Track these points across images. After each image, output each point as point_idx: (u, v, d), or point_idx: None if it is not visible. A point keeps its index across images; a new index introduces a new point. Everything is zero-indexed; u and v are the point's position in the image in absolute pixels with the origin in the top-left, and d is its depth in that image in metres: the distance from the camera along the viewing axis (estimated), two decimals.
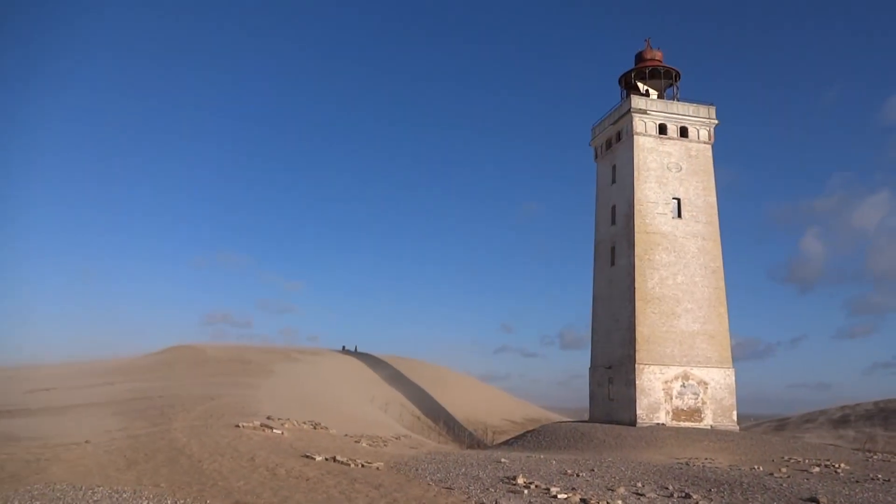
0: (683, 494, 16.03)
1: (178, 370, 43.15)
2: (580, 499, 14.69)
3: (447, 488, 15.71)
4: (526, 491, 15.62)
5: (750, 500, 15.61)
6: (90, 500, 12.14)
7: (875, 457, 28.02)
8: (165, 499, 12.76)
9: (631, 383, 36.05)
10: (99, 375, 41.77)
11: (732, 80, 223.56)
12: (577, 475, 18.81)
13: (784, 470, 22.56)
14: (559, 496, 14.94)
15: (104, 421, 22.37)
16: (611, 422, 37.16)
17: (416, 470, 18.40)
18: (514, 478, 17.24)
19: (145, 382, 35.74)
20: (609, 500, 14.54)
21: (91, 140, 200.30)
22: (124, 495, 12.78)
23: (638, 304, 36.76)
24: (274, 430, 22.13)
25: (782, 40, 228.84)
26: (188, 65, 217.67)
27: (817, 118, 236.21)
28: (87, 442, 18.35)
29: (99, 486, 13.48)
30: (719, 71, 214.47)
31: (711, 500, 15.56)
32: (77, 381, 39.32)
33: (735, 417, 36.81)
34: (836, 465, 24.11)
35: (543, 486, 16.18)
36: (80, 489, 13.08)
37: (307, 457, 18.57)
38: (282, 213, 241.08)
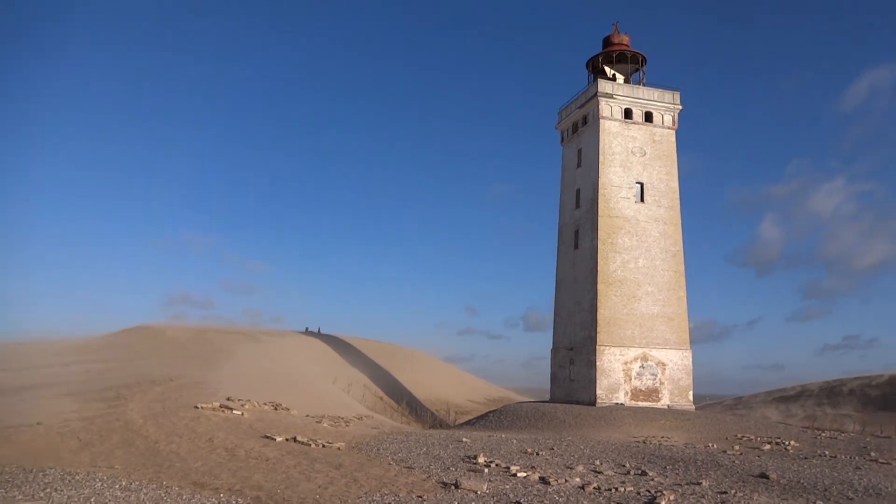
0: (640, 472, 16.39)
1: (137, 351, 42.29)
2: (539, 477, 14.90)
3: (408, 467, 15.77)
4: (486, 470, 15.77)
5: (703, 476, 16.04)
6: (41, 482, 11.84)
7: (823, 434, 29.07)
8: (120, 480, 12.52)
9: (591, 364, 36.63)
10: (54, 356, 40.65)
11: (695, 66, 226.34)
12: (537, 454, 19.07)
13: (737, 447, 23.25)
14: (519, 474, 15.12)
15: (58, 402, 21.81)
16: (571, 402, 37.75)
17: (378, 450, 18.42)
18: (475, 457, 17.39)
19: (102, 363, 34.93)
20: (567, 478, 14.78)
21: (49, 120, 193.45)
22: (77, 477, 12.50)
23: (600, 286, 37.26)
24: (234, 412, 21.89)
25: (744, 28, 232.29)
26: (150, 41, 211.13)
27: (777, 106, 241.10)
28: (38, 423, 17.89)
29: (51, 468, 13.17)
30: (683, 57, 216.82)
31: (666, 476, 15.95)
32: (31, 361, 38.22)
33: (691, 397, 37.73)
34: (787, 443, 24.95)
35: (504, 465, 16.36)
36: (31, 471, 12.76)
37: (267, 437, 18.43)
38: (245, 193, 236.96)
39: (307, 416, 24.48)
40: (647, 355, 37.13)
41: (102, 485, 12.01)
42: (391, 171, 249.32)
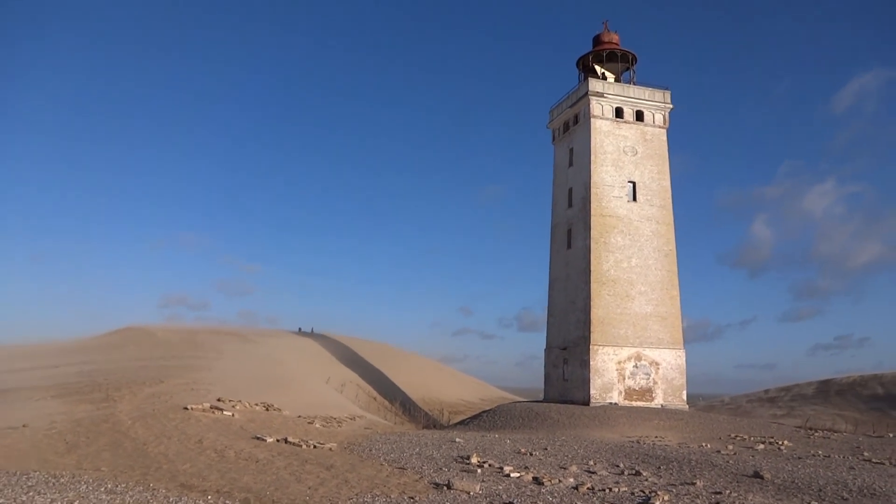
0: (634, 472, 16.26)
1: (126, 352, 41.90)
2: (533, 477, 14.74)
3: (400, 468, 15.59)
4: (479, 470, 15.61)
5: (698, 476, 15.92)
6: (24, 486, 11.59)
7: (816, 434, 29.06)
8: (106, 482, 12.29)
9: (585, 364, 36.52)
10: (42, 357, 40.23)
11: (686, 67, 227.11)
12: (531, 454, 18.92)
13: (730, 447, 23.17)
14: (512, 475, 14.96)
15: (45, 404, 21.52)
16: (565, 401, 37.63)
17: (370, 450, 18.23)
18: (468, 457, 17.23)
19: (91, 365, 34.56)
20: (561, 479, 14.63)
21: (47, 121, 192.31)
22: (62, 480, 12.26)
23: (593, 286, 37.15)
24: (224, 412, 21.65)
25: (736, 30, 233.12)
26: (146, 42, 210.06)
27: (768, 108, 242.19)
28: (24, 426, 17.61)
29: (35, 471, 12.92)
30: (675, 57, 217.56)
31: (661, 476, 15.82)
32: (19, 363, 37.79)
33: (685, 397, 37.68)
34: (780, 443, 24.89)
35: (497, 465, 16.20)
36: (14, 474, 12.50)
37: (258, 438, 18.21)
38: (239, 193, 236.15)
39: (299, 416, 24.25)
40: (641, 355, 37.04)
41: (87, 487, 11.77)
42: (386, 175, 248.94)
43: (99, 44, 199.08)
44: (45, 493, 11.09)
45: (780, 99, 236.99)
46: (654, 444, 22.55)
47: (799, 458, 20.41)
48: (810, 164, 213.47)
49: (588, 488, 13.62)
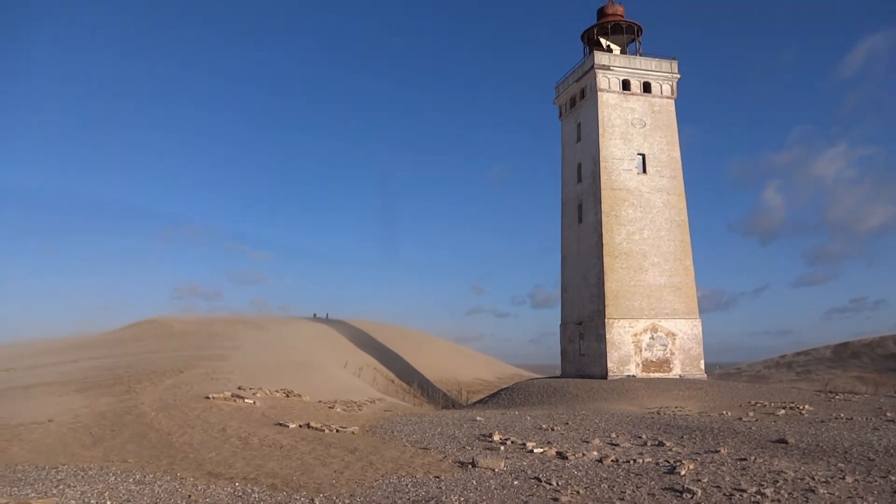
0: (657, 442, 16.24)
1: (145, 345, 42.25)
2: (556, 452, 14.76)
3: (423, 448, 15.65)
4: (502, 447, 15.64)
5: (721, 444, 15.88)
6: (54, 479, 11.72)
7: (836, 397, 28.93)
8: (133, 473, 12.41)
9: (601, 338, 36.47)
10: (62, 353, 40.65)
11: (694, 36, 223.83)
12: (552, 429, 18.94)
13: (751, 414, 23.11)
14: (535, 450, 14.99)
15: (68, 399, 21.74)
16: (583, 376, 37.66)
17: (392, 432, 18.31)
18: (490, 435, 17.27)
19: (111, 358, 34.88)
20: (585, 452, 14.64)
21: (53, 111, 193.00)
22: (90, 472, 12.39)
23: (606, 259, 36.97)
24: (246, 400, 21.80)
25: None
26: (148, 25, 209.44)
27: (777, 74, 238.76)
28: (49, 421, 17.80)
29: (63, 465, 13.06)
30: (681, 27, 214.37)
31: (684, 446, 15.80)
32: (39, 359, 38.20)
33: (703, 366, 37.59)
34: (801, 407, 24.80)
35: (520, 442, 16.22)
36: (44, 468, 12.65)
37: (280, 425, 18.33)
38: (245, 181, 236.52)
39: (319, 401, 24.39)
40: (657, 326, 36.93)
41: (116, 479, 11.89)
42: (395, 155, 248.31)
43: (108, 38, 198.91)
44: (74, 486, 11.21)
45: (789, 65, 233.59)
46: (674, 415, 22.54)
47: (821, 421, 20.32)
48: (820, 129, 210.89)
49: (612, 460, 13.62)
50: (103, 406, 20.19)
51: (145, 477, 12.16)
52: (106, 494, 10.78)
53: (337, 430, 17.88)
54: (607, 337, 36.05)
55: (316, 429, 17.94)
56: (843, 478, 11.89)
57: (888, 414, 22.40)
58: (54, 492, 10.83)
